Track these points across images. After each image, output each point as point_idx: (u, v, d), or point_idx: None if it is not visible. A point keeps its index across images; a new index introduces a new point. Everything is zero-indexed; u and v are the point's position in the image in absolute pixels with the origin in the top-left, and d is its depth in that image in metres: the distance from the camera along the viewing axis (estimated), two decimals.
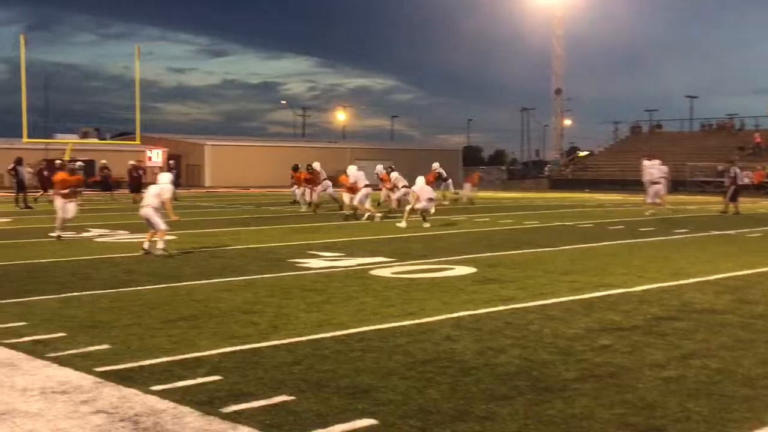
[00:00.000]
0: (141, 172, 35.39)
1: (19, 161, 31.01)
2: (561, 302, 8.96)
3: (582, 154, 69.87)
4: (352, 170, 23.34)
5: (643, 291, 9.76)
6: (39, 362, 6.24)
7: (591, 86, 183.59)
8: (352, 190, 22.81)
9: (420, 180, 20.62)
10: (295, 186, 29.88)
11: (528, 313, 8.31)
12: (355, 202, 22.61)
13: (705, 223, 21.74)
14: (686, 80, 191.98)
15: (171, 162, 39.27)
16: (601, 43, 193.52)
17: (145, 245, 13.82)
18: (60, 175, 17.48)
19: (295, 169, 30.50)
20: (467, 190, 34.57)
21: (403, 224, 19.81)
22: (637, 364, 6.15)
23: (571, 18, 66.85)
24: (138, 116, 43.97)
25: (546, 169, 68.65)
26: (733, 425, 4.75)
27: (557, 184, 57.72)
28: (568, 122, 72.38)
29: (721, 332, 7.34)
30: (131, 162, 37.07)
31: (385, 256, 13.45)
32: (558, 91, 64.64)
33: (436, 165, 33.26)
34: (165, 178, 14.08)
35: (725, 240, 16.92)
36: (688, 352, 6.55)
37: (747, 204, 29.74)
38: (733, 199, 25.54)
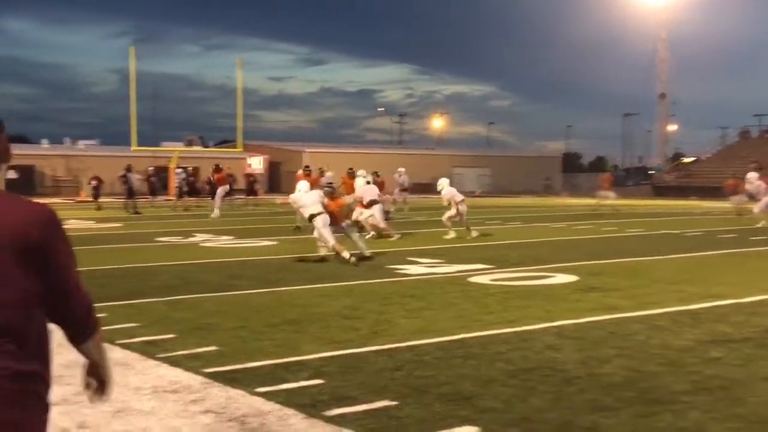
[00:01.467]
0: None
1: (128, 168, 32.35)
2: (667, 312, 8.70)
3: (687, 160, 67.81)
4: (360, 183, 19.37)
5: (755, 302, 9.38)
6: (151, 362, 6.48)
7: (697, 90, 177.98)
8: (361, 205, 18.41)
9: (444, 181, 18.56)
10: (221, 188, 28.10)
11: (633, 323, 8.11)
12: (361, 218, 17.91)
13: None
14: None
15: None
16: (708, 46, 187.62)
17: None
18: (334, 203, 14.28)
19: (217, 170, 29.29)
20: (607, 196, 31.64)
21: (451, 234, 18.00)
22: (750, 377, 5.92)
23: (676, 20, 65.05)
24: (240, 124, 45.15)
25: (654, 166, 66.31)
26: None
27: (661, 191, 56.20)
28: (672, 127, 70.30)
29: None
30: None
31: (483, 263, 13.36)
32: (662, 96, 62.94)
33: (402, 170, 31.77)
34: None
35: None
36: None
37: None
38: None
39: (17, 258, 2.25)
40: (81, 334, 2.48)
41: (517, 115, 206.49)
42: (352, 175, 21.70)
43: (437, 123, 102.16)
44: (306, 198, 14.00)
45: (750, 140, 64.15)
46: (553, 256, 14.56)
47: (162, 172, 43.51)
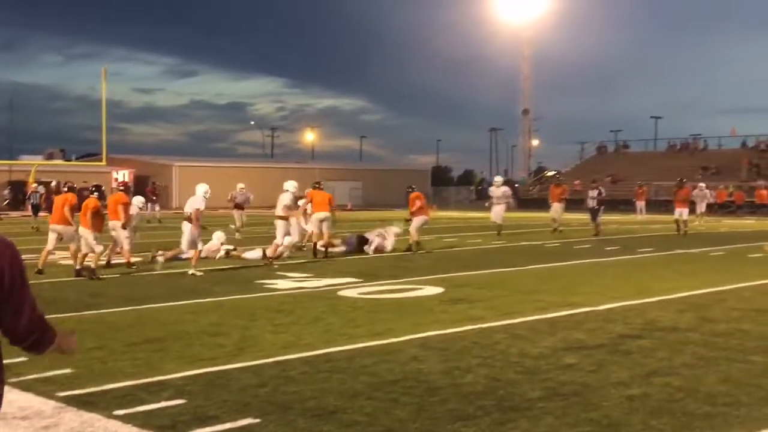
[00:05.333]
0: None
1: None
2: (527, 321, 9.01)
3: (550, 173, 70.51)
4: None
5: (608, 309, 9.84)
6: None
7: (558, 106, 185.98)
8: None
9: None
10: None
11: (495, 332, 8.34)
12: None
13: (669, 241, 22.01)
14: (651, 101, 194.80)
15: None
16: (568, 64, 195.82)
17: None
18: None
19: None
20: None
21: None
22: (601, 383, 6.20)
23: (538, 39, 67.65)
24: (104, 137, 43.63)
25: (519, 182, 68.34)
26: None
27: (525, 204, 58.05)
28: (535, 142, 73.02)
29: (684, 350, 7.43)
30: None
31: (353, 277, 13.44)
32: (525, 112, 65.29)
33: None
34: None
35: (689, 258, 17.14)
36: (651, 370, 6.61)
37: (712, 223, 30.29)
38: (593, 218, 25.01)
39: None
40: (28, 347, 2.88)
41: (389, 129, 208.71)
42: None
43: (309, 137, 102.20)
44: None
45: (606, 154, 67.45)
46: (420, 269, 14.80)
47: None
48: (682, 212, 24.62)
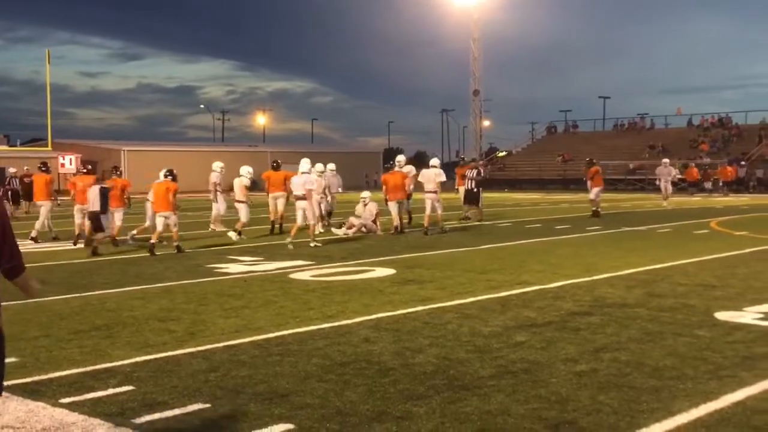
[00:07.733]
0: (30, 180, 35.61)
1: None
2: (478, 301, 9.06)
3: (501, 154, 70.97)
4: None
5: (558, 287, 9.96)
6: None
7: (508, 88, 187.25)
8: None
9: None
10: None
11: (446, 312, 8.38)
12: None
13: (617, 219, 22.33)
14: (598, 81, 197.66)
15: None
16: (517, 46, 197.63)
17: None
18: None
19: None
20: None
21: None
22: (550, 360, 6.27)
23: (487, 21, 67.80)
24: (49, 122, 42.75)
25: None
26: (642, 416, 4.88)
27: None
28: (486, 123, 73.38)
29: (631, 326, 7.55)
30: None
31: (304, 260, 13.38)
32: (476, 93, 65.39)
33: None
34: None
35: (636, 236, 17.42)
36: (599, 346, 6.71)
37: (676, 199, 30.81)
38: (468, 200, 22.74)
39: None
40: (11, 272, 3.81)
41: (340, 111, 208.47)
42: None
43: (261, 120, 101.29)
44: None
45: (556, 135, 68.17)
46: (373, 251, 14.81)
47: None
48: (594, 192, 23.42)
